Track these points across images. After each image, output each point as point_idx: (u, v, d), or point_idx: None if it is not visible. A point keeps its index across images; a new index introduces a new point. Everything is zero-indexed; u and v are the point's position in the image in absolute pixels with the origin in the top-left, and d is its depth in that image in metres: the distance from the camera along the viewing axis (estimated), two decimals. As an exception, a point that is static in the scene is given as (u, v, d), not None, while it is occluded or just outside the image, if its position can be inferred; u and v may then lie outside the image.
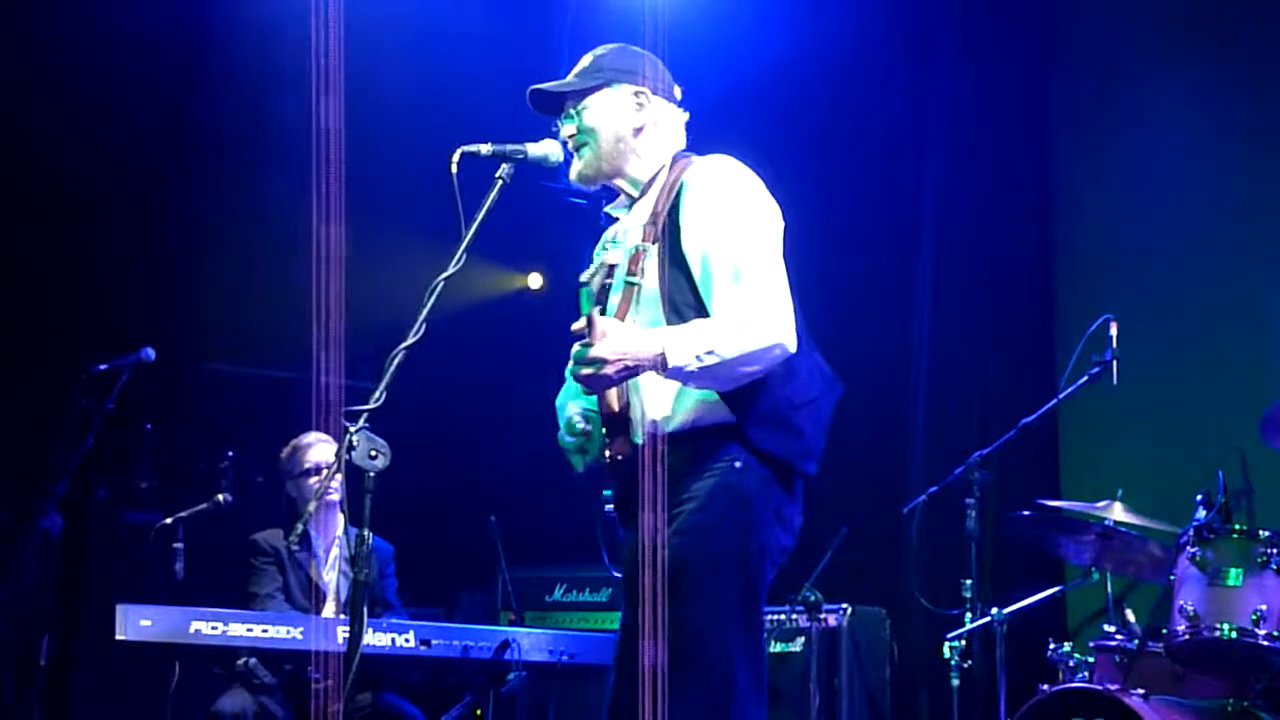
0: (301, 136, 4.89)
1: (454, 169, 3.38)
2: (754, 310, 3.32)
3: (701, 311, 3.40)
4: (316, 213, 4.69)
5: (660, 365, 3.29)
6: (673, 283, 3.44)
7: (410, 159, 6.64)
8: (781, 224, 3.54)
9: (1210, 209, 6.34)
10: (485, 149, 3.47)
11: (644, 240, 3.50)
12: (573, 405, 3.66)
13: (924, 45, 7.32)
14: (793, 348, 3.36)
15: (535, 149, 3.52)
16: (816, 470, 3.51)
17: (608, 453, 3.51)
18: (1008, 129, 7.01)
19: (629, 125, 3.61)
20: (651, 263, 3.48)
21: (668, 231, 3.47)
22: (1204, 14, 6.52)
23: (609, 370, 3.29)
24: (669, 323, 3.41)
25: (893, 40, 7.34)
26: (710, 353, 3.28)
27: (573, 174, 3.65)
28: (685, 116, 3.71)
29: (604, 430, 3.53)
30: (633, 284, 3.50)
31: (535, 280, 8.20)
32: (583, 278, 3.66)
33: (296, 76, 4.91)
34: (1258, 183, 6.21)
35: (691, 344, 3.29)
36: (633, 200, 3.65)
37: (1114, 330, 5.46)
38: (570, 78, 3.65)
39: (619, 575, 3.60)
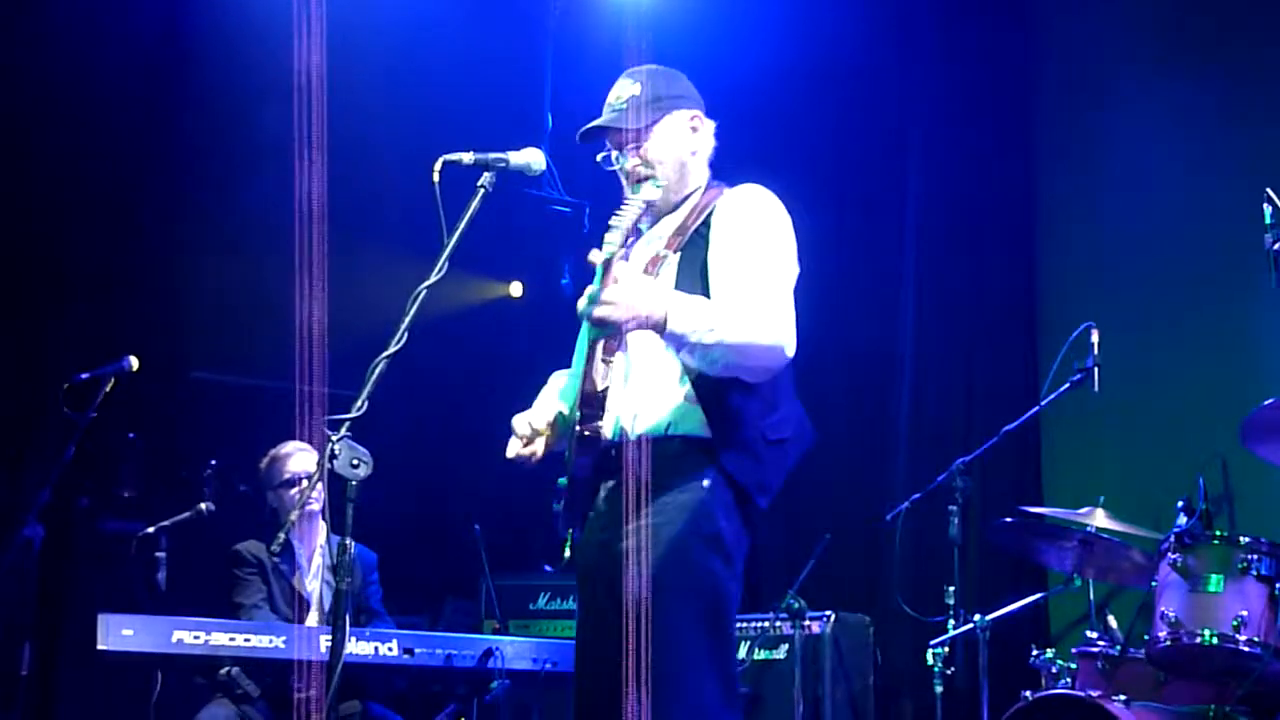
0: (284, 145, 4.89)
1: (436, 178, 3.38)
2: (763, 309, 3.37)
3: None
4: (299, 221, 4.69)
5: (660, 326, 3.30)
6: (690, 291, 3.47)
7: (392, 167, 6.64)
8: (797, 269, 3.59)
9: (1192, 216, 6.35)
10: (467, 158, 3.47)
11: (666, 249, 3.56)
12: (550, 402, 3.70)
13: (907, 52, 7.34)
14: (789, 352, 3.40)
15: (517, 157, 3.53)
16: (766, 505, 3.53)
17: (576, 428, 3.53)
18: (990, 137, 7.02)
19: (688, 150, 3.67)
20: (668, 270, 3.53)
21: (693, 245, 3.53)
22: (1186, 25, 6.54)
23: (612, 313, 3.27)
24: None
25: (876, 47, 7.35)
26: (711, 330, 3.31)
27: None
28: (714, 126, 3.75)
29: (578, 408, 3.54)
30: None
31: (517, 288, 8.20)
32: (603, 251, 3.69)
33: (279, 85, 4.91)
34: (1239, 191, 6.22)
35: (696, 317, 3.31)
36: (661, 214, 3.67)
37: (1095, 337, 5.47)
38: (617, 108, 3.64)
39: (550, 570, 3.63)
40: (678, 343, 3.34)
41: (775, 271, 3.47)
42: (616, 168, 3.67)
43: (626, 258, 3.46)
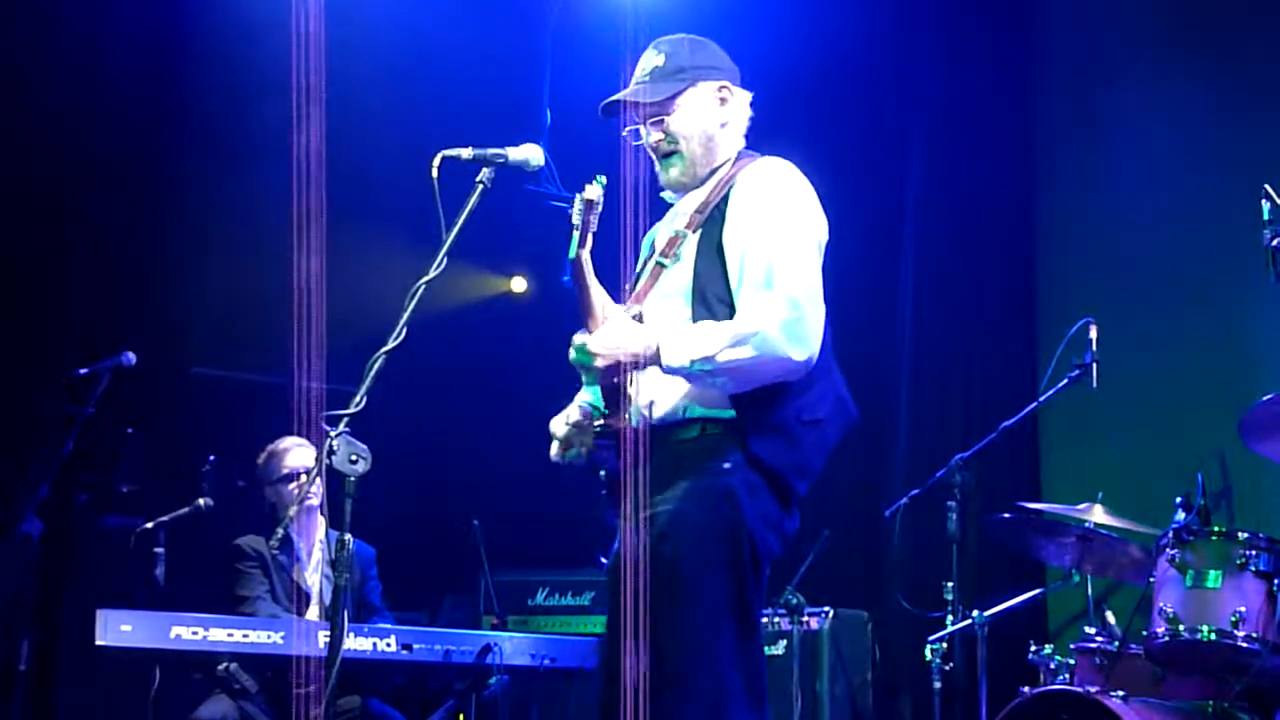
0: (282, 141, 4.89)
1: (435, 173, 3.37)
2: (771, 322, 3.29)
3: (732, 307, 3.38)
4: (297, 217, 4.69)
5: (655, 361, 3.31)
6: (708, 273, 3.43)
7: (391, 163, 6.64)
8: (825, 236, 3.54)
9: (1189, 212, 6.35)
10: (466, 153, 3.46)
11: (686, 227, 3.50)
12: (582, 395, 3.65)
13: (907, 47, 7.34)
14: (800, 359, 3.32)
15: (516, 153, 3.50)
16: (806, 490, 3.45)
17: (599, 422, 3.49)
18: (989, 133, 7.02)
19: (715, 123, 3.58)
20: (688, 249, 3.48)
21: (712, 222, 3.46)
22: (1186, 25, 6.54)
23: (599, 363, 3.34)
24: (694, 312, 3.40)
25: (876, 42, 7.35)
26: (706, 359, 3.27)
27: (665, 181, 3.62)
28: (750, 96, 3.68)
29: (602, 402, 3.51)
30: (661, 265, 3.51)
31: (519, 284, 8.20)
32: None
33: (278, 82, 4.91)
34: (1237, 187, 6.20)
35: (687, 347, 3.29)
36: (688, 190, 3.62)
37: (1094, 333, 5.47)
38: (640, 81, 3.58)
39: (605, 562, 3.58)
40: (680, 374, 3.31)
41: (795, 264, 3.36)
42: (641, 142, 3.60)
43: (583, 242, 3.40)
